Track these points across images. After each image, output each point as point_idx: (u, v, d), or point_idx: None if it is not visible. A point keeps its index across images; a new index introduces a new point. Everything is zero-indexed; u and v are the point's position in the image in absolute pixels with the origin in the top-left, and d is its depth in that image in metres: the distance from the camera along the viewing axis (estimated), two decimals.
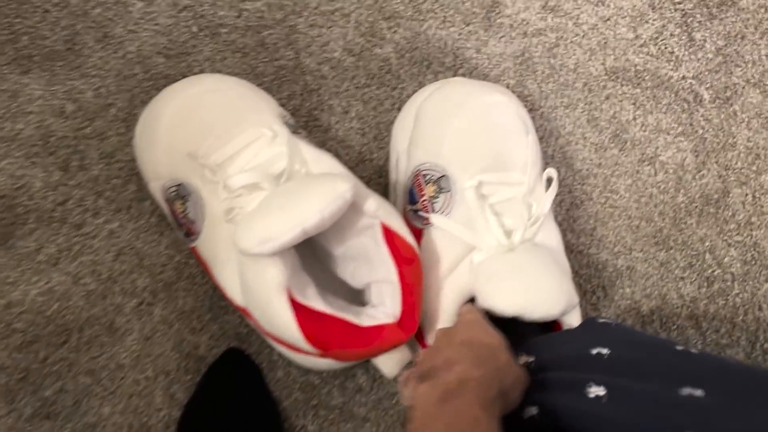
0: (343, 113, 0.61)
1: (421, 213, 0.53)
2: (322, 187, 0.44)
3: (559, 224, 0.62)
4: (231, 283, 0.49)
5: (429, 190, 0.53)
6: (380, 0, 0.62)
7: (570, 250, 0.62)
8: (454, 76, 0.63)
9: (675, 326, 0.63)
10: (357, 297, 0.53)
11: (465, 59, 0.63)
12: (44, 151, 0.57)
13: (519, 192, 0.52)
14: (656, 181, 0.64)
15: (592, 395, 0.36)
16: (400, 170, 0.57)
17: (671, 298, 0.63)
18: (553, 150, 0.63)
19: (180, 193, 0.50)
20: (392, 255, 0.48)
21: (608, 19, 0.65)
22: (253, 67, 0.60)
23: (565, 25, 0.64)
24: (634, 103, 0.65)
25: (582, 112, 0.64)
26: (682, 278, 0.63)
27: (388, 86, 0.62)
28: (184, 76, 0.59)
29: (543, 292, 0.47)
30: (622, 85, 0.65)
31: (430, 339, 0.52)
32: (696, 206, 0.64)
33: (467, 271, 0.50)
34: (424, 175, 0.53)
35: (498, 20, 0.63)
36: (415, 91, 0.62)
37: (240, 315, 0.56)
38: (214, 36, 0.60)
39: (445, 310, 0.51)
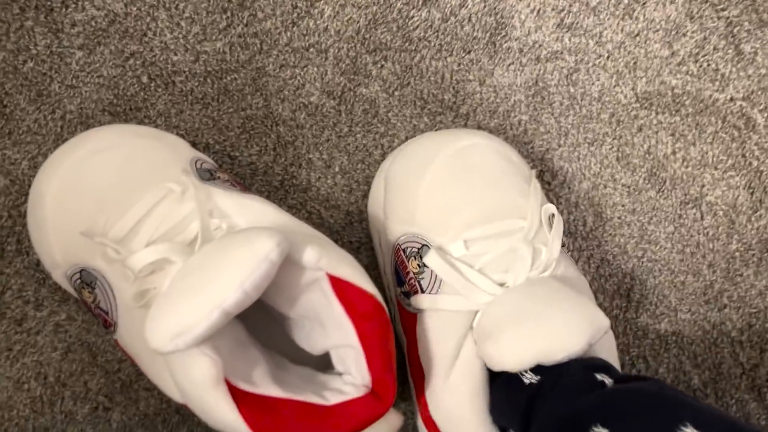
0: (325, 168, 0.52)
1: (410, 295, 0.44)
2: (239, 252, 0.35)
3: (589, 285, 0.52)
4: (162, 378, 0.40)
5: (412, 266, 0.44)
6: (362, 30, 0.52)
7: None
8: (455, 115, 0.53)
9: (733, 400, 0.53)
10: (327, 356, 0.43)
11: (467, 94, 0.53)
12: None
13: (518, 240, 0.42)
14: (703, 227, 0.54)
15: None
16: (383, 250, 0.47)
17: (728, 366, 0.53)
18: (576, 196, 0.53)
19: (84, 280, 0.41)
20: (346, 311, 0.38)
21: (637, 35, 0.54)
22: (216, 120, 0.51)
23: (585, 45, 0.54)
24: (672, 134, 0.54)
25: (610, 149, 0.54)
26: (740, 342, 0.53)
27: (376, 133, 0.52)
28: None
29: (557, 327, 0.37)
30: (657, 113, 0.54)
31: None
32: (753, 254, 0.53)
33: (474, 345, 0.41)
34: (404, 250, 0.44)
35: (505, 44, 0.53)
36: (408, 137, 0.52)
37: None
38: (168, 86, 0.51)
39: (464, 403, 0.41)
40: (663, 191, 0.54)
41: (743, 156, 0.54)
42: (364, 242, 0.52)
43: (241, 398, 0.36)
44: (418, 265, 0.43)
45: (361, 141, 0.52)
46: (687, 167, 0.54)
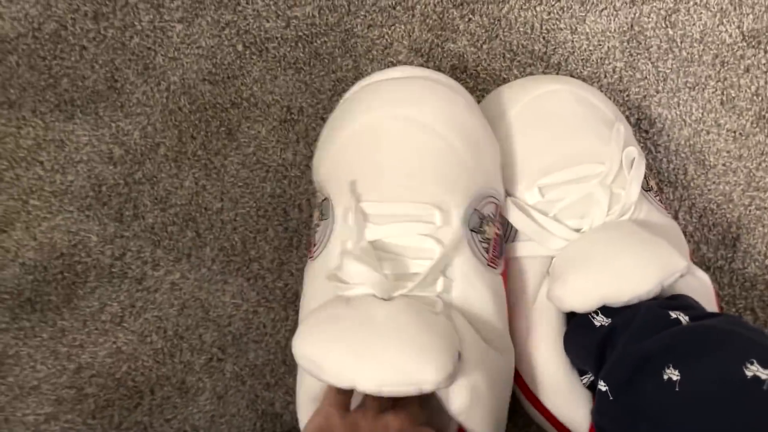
0: None
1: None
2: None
3: (691, 235, 0.50)
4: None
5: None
6: None
7: (706, 266, 0.51)
8: (546, 65, 0.52)
9: None
10: None
11: (558, 43, 0.52)
12: (97, 202, 0.53)
13: (595, 185, 0.41)
14: None
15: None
16: None
17: None
18: (676, 144, 0.51)
19: (322, 209, 0.42)
20: None
21: None
22: (308, 84, 0.52)
23: None
24: None
25: (714, 92, 0.51)
26: None
27: (466, 88, 0.52)
28: (233, 104, 0.52)
29: (624, 268, 0.37)
30: (766, 52, 0.51)
31: (543, 395, 0.43)
32: None
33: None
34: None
35: None
36: None
37: None
38: (262, 53, 0.53)
39: (540, 346, 0.42)
40: None
41: None
42: None
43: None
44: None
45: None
46: None
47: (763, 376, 0.29)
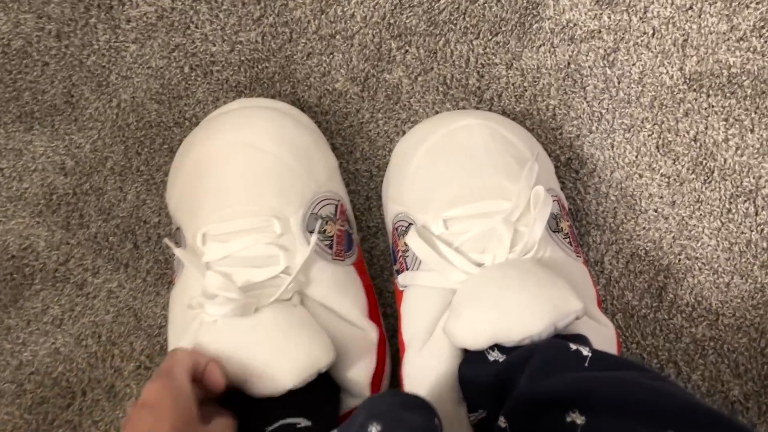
0: (347, 153, 0.53)
1: (399, 273, 0.45)
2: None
3: (616, 281, 0.49)
4: None
5: (401, 245, 0.44)
6: (388, 15, 0.52)
7: (630, 314, 0.49)
8: (479, 100, 0.52)
9: None
10: None
11: (492, 78, 0.51)
12: (47, 209, 0.56)
13: (499, 221, 0.41)
14: (757, 223, 0.48)
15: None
16: (387, 230, 0.48)
17: None
18: (607, 186, 0.50)
19: (174, 237, 0.46)
20: None
21: (690, 8, 0.49)
22: None
23: (627, 22, 0.50)
24: (726, 120, 0.49)
25: (650, 136, 0.50)
26: None
27: (398, 119, 0.52)
28: (176, 123, 0.55)
29: (513, 307, 0.36)
30: (708, 96, 0.49)
31: None
32: None
33: None
34: (396, 229, 0.45)
35: (535, 25, 0.51)
36: None
37: None
38: (206, 75, 0.55)
39: (431, 378, 0.42)
40: (710, 182, 0.49)
41: None
42: (381, 228, 0.52)
43: None
44: (405, 243, 0.44)
45: (382, 127, 0.53)
46: (741, 156, 0.49)
47: None
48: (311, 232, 0.43)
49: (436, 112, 0.52)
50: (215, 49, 0.55)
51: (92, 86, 0.56)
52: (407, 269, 0.44)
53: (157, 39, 0.55)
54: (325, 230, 0.43)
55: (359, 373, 0.42)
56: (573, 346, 0.35)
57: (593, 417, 0.31)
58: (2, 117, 0.57)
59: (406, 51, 0.52)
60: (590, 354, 0.35)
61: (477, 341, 0.38)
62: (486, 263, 0.41)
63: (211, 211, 0.42)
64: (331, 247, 0.44)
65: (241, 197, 0.42)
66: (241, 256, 0.41)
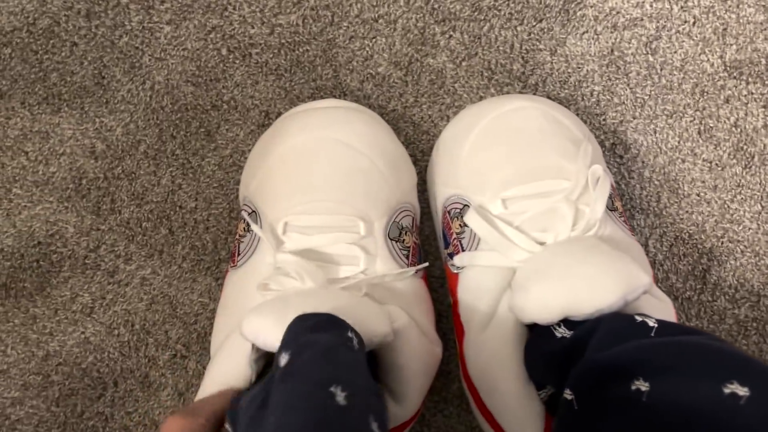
0: None
1: (453, 255, 0.44)
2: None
3: (660, 264, 0.50)
4: None
5: (455, 227, 0.44)
6: (432, 0, 0.52)
7: (674, 296, 0.50)
8: (523, 86, 0.52)
9: None
10: None
11: (536, 64, 0.52)
12: (77, 194, 0.54)
13: (560, 200, 0.41)
14: None
15: None
16: (435, 215, 0.48)
17: None
18: (651, 171, 0.51)
19: (244, 217, 0.45)
20: None
21: None
22: (288, 90, 0.53)
23: (669, 11, 0.51)
24: (765, 106, 0.50)
25: (691, 121, 0.51)
26: None
27: (442, 104, 0.52)
28: (213, 106, 0.53)
29: (586, 280, 0.36)
30: (748, 83, 0.50)
31: (495, 410, 0.43)
32: None
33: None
34: (449, 212, 0.45)
35: (579, 12, 0.51)
36: None
37: None
38: (245, 58, 0.54)
39: (496, 358, 0.41)
40: (750, 167, 0.50)
41: None
42: (426, 211, 0.52)
43: None
44: (460, 225, 0.44)
45: (426, 112, 0.52)
46: None
47: (741, 392, 0.29)
48: (392, 239, 0.43)
49: (481, 98, 0.52)
50: (254, 31, 0.54)
51: (125, 68, 0.54)
52: (463, 250, 0.44)
53: (193, 20, 0.54)
54: (404, 239, 0.44)
55: (414, 386, 0.41)
56: (639, 318, 0.35)
57: (657, 383, 0.31)
58: (28, 98, 0.55)
59: (450, 36, 0.52)
60: (656, 325, 0.35)
61: (548, 315, 0.37)
62: (548, 242, 0.41)
63: (296, 202, 0.42)
64: (407, 257, 0.44)
65: (330, 193, 0.42)
66: (322, 251, 0.41)
